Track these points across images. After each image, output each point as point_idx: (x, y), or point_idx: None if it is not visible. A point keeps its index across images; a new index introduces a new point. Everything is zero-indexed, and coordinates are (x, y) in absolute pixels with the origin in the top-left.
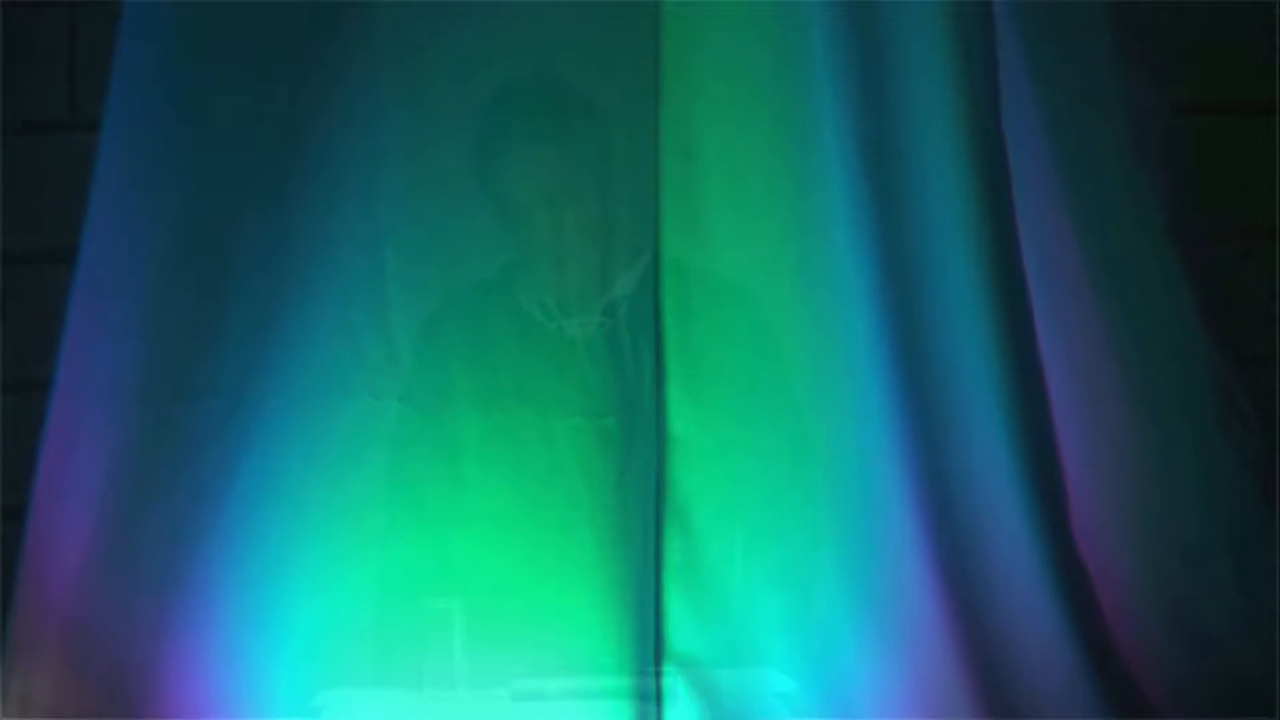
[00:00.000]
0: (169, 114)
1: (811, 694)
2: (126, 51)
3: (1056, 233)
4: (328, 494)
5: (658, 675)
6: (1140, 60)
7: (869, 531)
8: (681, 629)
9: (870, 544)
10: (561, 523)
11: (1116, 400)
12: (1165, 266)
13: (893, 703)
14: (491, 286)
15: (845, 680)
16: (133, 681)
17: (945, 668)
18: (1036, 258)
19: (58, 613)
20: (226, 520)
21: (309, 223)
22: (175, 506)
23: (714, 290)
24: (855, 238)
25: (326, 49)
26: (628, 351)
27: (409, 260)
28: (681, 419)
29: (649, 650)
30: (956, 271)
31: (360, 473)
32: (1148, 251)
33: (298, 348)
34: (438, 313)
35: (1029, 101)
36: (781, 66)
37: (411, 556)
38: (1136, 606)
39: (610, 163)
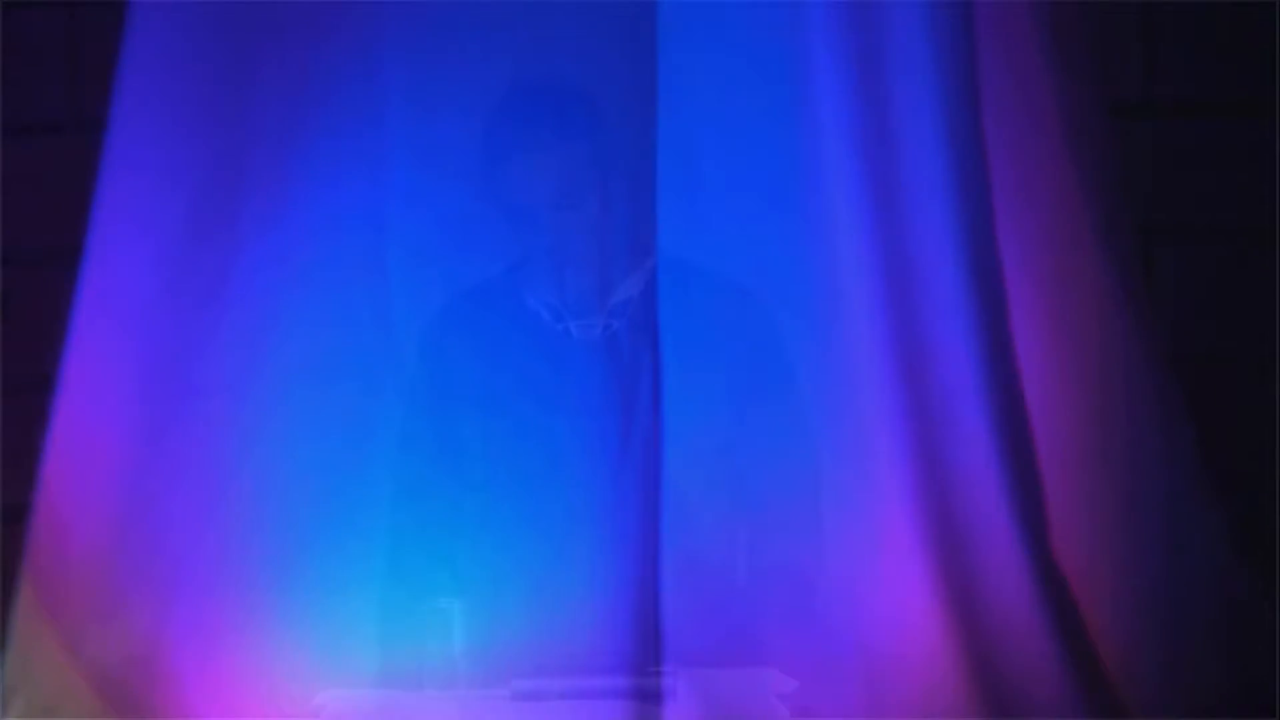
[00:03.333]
0: (173, 113)
1: (811, 694)
2: (131, 51)
3: (1006, 231)
4: (328, 494)
5: (658, 675)
6: (1073, 58)
7: (868, 531)
8: (681, 628)
9: (869, 543)
10: (562, 522)
11: (1063, 396)
12: (1099, 267)
13: (892, 703)
14: (499, 286)
15: (845, 680)
16: (133, 681)
17: (943, 668)
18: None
19: (58, 612)
20: (227, 520)
21: (311, 222)
22: (176, 506)
23: (712, 290)
24: (854, 236)
25: (329, 49)
26: (630, 352)
27: (411, 260)
28: (679, 418)
29: (649, 650)
30: (946, 270)
31: (361, 472)
32: (1085, 252)
33: (299, 347)
34: (445, 311)
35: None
36: (777, 66)
37: (413, 555)
38: (1110, 607)
39: (616, 164)
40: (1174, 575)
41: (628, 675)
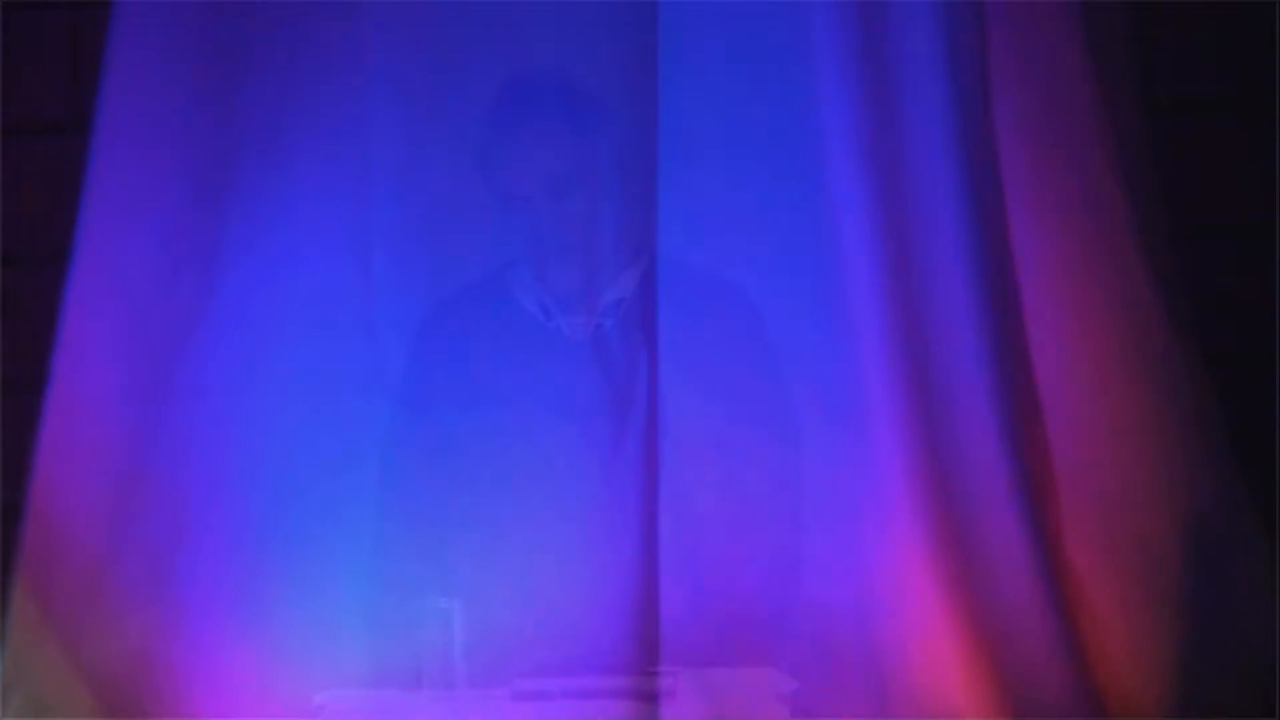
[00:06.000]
0: (158, 115)
1: (812, 694)
2: (116, 54)
3: (1031, 233)
4: (321, 493)
5: (657, 675)
6: (1112, 61)
7: (867, 530)
8: (680, 628)
9: (868, 542)
10: (558, 523)
11: (1089, 395)
12: (1133, 271)
13: (894, 703)
14: (492, 285)
15: (846, 680)
16: (133, 681)
17: (944, 667)
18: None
19: (54, 611)
20: (223, 520)
21: (297, 223)
22: (171, 506)
23: (711, 289)
24: (854, 236)
25: (316, 49)
26: (624, 351)
27: (397, 260)
28: (676, 418)
29: (648, 650)
30: (952, 272)
31: (354, 472)
32: (1117, 256)
33: (288, 347)
34: (438, 309)
35: (999, 101)
36: (779, 64)
37: (406, 556)
38: (1118, 609)
39: (613, 161)
40: (1187, 578)
41: (627, 675)
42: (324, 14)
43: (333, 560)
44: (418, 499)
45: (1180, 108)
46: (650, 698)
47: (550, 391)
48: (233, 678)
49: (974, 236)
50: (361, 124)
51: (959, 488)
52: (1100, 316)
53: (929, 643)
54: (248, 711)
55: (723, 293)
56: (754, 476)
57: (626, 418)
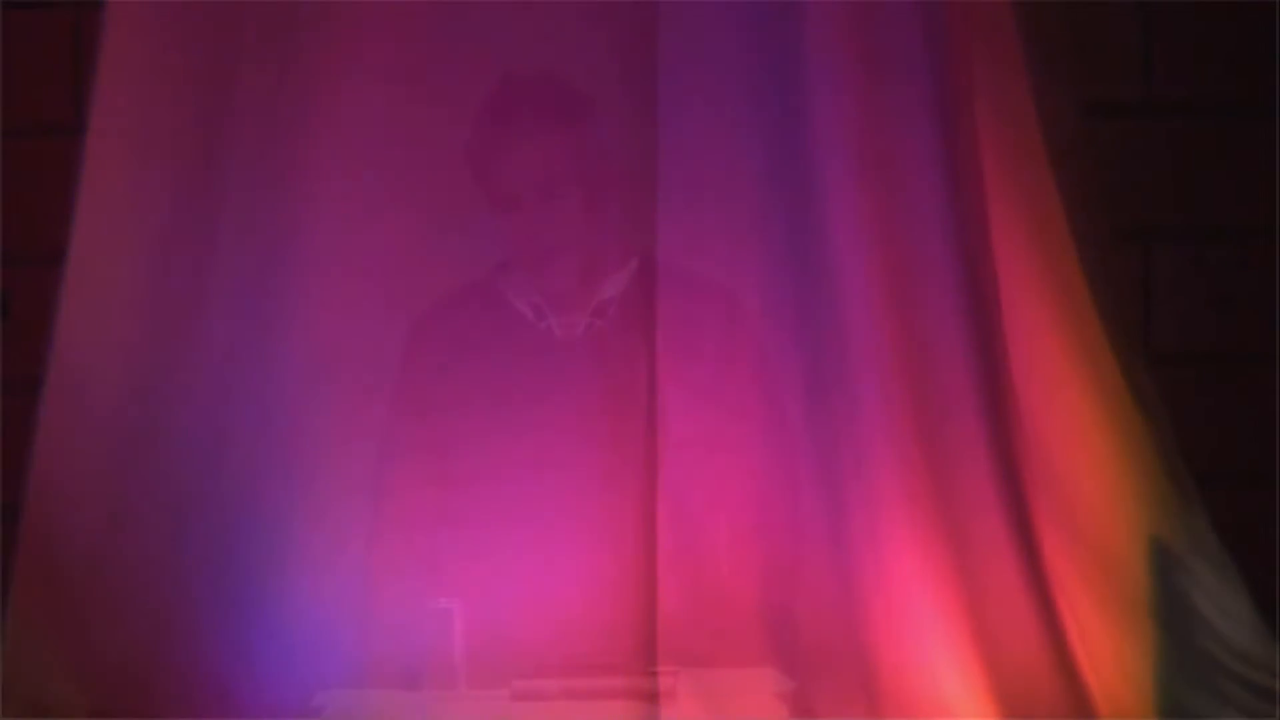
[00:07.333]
0: (152, 116)
1: (811, 694)
2: (109, 55)
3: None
4: (315, 495)
5: (657, 675)
6: (1046, 61)
7: (862, 530)
8: (680, 628)
9: (864, 543)
10: (556, 523)
11: (1047, 406)
12: (1069, 269)
13: (892, 703)
14: (484, 285)
15: (845, 680)
16: (133, 681)
17: (943, 668)
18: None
19: (56, 613)
20: (221, 521)
21: (291, 224)
22: (169, 506)
23: (708, 290)
24: (850, 237)
25: (310, 50)
26: (618, 351)
27: (390, 261)
28: (674, 417)
29: (648, 650)
30: (943, 276)
31: (347, 474)
32: (1055, 254)
33: (282, 349)
34: (430, 311)
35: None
36: (776, 67)
37: (409, 556)
38: (1108, 607)
39: (607, 161)
40: (1168, 574)
41: (627, 675)
42: (318, 14)
43: (328, 559)
44: (415, 499)
45: (1180, 108)
46: (650, 698)
47: (542, 391)
48: (233, 678)
49: (962, 238)
50: (356, 124)
51: (951, 489)
52: (1051, 323)
53: (925, 643)
54: (248, 711)
55: (719, 293)
56: (751, 477)
57: (622, 417)
